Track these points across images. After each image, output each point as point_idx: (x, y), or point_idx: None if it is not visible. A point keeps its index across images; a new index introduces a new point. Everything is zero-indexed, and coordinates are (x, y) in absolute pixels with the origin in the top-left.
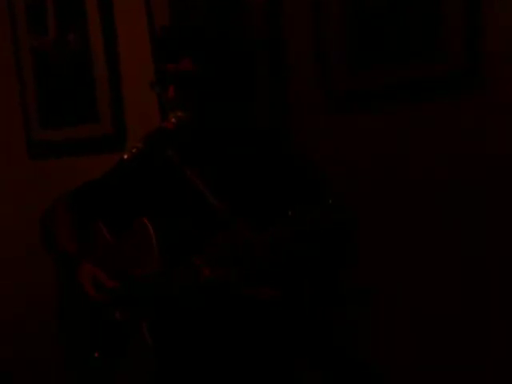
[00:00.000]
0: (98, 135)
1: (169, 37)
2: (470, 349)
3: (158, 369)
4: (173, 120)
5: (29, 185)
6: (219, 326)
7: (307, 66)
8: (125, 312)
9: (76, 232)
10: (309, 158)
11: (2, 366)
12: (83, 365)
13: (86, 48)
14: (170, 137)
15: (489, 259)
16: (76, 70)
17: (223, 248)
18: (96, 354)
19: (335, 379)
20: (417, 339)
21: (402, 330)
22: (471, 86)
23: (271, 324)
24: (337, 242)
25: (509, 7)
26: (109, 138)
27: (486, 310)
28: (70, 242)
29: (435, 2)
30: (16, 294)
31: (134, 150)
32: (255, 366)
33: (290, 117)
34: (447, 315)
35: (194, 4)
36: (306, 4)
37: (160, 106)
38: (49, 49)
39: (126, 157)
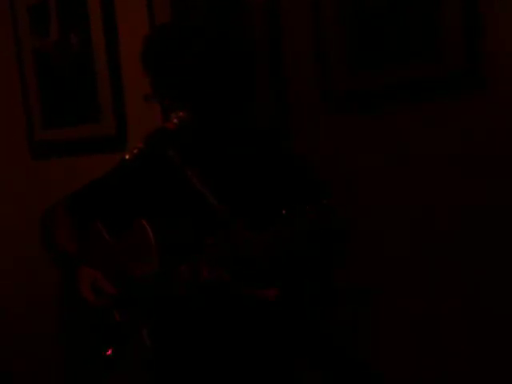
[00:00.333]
0: (100, 135)
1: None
2: (470, 349)
3: (158, 369)
4: (174, 120)
5: (31, 185)
6: (219, 326)
7: (307, 66)
8: (124, 313)
9: (76, 232)
10: (308, 158)
11: (2, 366)
12: (83, 365)
13: (88, 49)
14: (172, 137)
15: (489, 259)
16: (78, 71)
17: (223, 248)
18: (108, 352)
19: (335, 379)
20: (417, 339)
21: (402, 330)
22: (471, 86)
23: (271, 324)
24: (335, 241)
25: (508, 7)
26: (110, 139)
27: (486, 310)
28: (70, 242)
29: (435, 2)
30: (16, 294)
31: (135, 151)
32: (255, 365)
33: (289, 117)
34: (447, 315)
35: (194, 4)
36: (305, 4)
37: (161, 107)
38: (51, 50)
39: (127, 157)
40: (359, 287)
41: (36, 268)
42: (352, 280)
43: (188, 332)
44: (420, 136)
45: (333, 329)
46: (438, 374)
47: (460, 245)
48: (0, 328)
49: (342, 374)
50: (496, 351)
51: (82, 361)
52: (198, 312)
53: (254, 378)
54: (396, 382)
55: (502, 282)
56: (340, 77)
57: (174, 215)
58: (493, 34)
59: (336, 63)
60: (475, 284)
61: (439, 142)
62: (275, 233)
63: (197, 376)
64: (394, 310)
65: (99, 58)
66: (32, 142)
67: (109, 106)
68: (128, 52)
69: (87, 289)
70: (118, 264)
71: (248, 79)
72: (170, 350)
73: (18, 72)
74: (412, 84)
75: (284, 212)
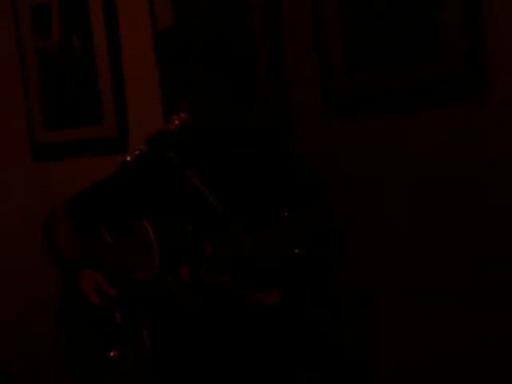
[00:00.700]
0: (101, 137)
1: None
2: (470, 349)
3: (158, 369)
4: (176, 122)
5: (32, 186)
6: (219, 326)
7: (307, 65)
8: (125, 314)
9: (76, 233)
10: (308, 158)
11: (2, 366)
12: (83, 365)
13: (90, 51)
14: (173, 139)
15: (489, 259)
16: (80, 73)
17: (223, 248)
18: (112, 354)
19: (335, 379)
20: (416, 339)
21: (402, 330)
22: (471, 86)
23: (271, 324)
24: (335, 241)
25: (508, 7)
26: (112, 140)
27: (486, 310)
28: (71, 243)
29: (435, 2)
30: (16, 294)
31: (137, 153)
32: (255, 365)
33: (289, 117)
34: (447, 315)
35: (194, 4)
36: (305, 4)
37: (163, 108)
38: (53, 51)
39: (129, 159)
40: (359, 287)
41: (36, 268)
42: (352, 280)
43: (188, 332)
44: (420, 136)
45: (333, 329)
46: (438, 374)
47: (460, 245)
48: (0, 328)
49: (342, 374)
50: (496, 351)
51: (82, 361)
52: (198, 313)
53: (254, 378)
54: (396, 382)
55: (502, 281)
56: (340, 77)
57: (174, 215)
58: (493, 34)
59: (336, 63)
60: (475, 284)
61: (439, 141)
62: (275, 233)
63: (197, 376)
64: (393, 310)
65: (101, 60)
66: (33, 143)
67: (110, 108)
68: (130, 54)
69: (92, 290)
70: (119, 265)
71: (248, 79)
72: (170, 350)
73: (20, 72)
74: (412, 84)
75: (289, 214)
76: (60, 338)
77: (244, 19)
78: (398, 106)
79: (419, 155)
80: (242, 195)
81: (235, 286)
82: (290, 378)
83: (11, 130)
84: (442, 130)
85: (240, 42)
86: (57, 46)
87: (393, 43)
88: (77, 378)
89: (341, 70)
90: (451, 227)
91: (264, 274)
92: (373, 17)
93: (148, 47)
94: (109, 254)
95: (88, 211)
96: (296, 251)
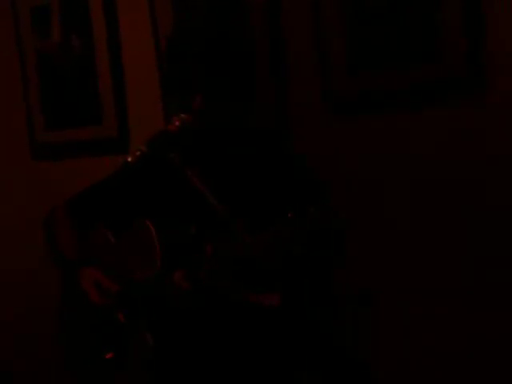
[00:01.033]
0: (102, 137)
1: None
2: (470, 349)
3: (158, 369)
4: (177, 123)
5: (32, 186)
6: (218, 326)
7: (307, 66)
8: (127, 313)
9: (77, 233)
10: (308, 158)
11: (2, 366)
12: (83, 365)
13: (90, 51)
14: (174, 140)
15: (489, 259)
16: (80, 73)
17: (223, 248)
18: (109, 355)
19: (335, 379)
20: (416, 339)
21: (402, 330)
22: (471, 86)
23: (271, 324)
24: (335, 241)
25: (509, 11)
26: (112, 141)
27: (486, 310)
28: (71, 242)
29: (435, 2)
30: (16, 294)
31: (137, 153)
32: (255, 365)
33: (290, 117)
34: (447, 315)
35: (194, 4)
36: (305, 4)
37: (164, 108)
38: (53, 51)
39: (129, 159)
40: (359, 287)
41: (36, 268)
42: (352, 280)
43: (188, 332)
44: (420, 136)
45: (333, 329)
46: (438, 374)
47: (460, 245)
48: (0, 328)
49: (342, 374)
50: (496, 351)
51: (82, 361)
52: (198, 313)
53: (254, 378)
54: (396, 382)
55: (502, 281)
56: (340, 77)
57: (174, 216)
58: (493, 34)
59: (336, 63)
60: (475, 284)
61: (439, 141)
62: (275, 233)
63: (197, 376)
64: (393, 310)
65: (101, 60)
66: (33, 143)
67: (111, 108)
68: (130, 54)
69: (92, 288)
70: (119, 265)
71: (248, 79)
72: (170, 350)
73: (20, 72)
74: (412, 84)
75: (289, 214)
76: (60, 337)
77: (244, 19)
78: (397, 106)
79: (419, 155)
80: (242, 195)
81: (235, 288)
82: (290, 378)
83: (11, 130)
84: (442, 129)
85: (240, 41)
86: (57, 47)
87: (393, 43)
88: (77, 378)
89: (341, 69)
90: (451, 227)
91: (264, 274)
92: (373, 17)
93: (148, 47)
94: (109, 254)
95: (88, 211)
96: (296, 251)
